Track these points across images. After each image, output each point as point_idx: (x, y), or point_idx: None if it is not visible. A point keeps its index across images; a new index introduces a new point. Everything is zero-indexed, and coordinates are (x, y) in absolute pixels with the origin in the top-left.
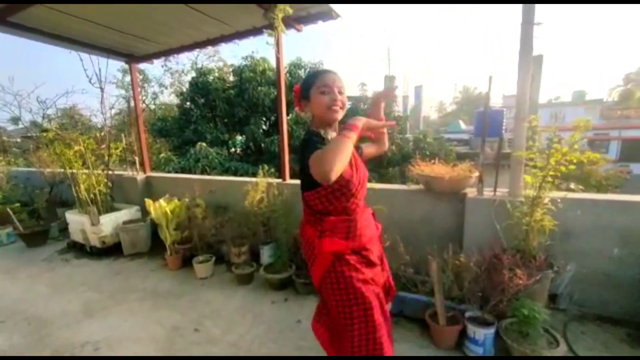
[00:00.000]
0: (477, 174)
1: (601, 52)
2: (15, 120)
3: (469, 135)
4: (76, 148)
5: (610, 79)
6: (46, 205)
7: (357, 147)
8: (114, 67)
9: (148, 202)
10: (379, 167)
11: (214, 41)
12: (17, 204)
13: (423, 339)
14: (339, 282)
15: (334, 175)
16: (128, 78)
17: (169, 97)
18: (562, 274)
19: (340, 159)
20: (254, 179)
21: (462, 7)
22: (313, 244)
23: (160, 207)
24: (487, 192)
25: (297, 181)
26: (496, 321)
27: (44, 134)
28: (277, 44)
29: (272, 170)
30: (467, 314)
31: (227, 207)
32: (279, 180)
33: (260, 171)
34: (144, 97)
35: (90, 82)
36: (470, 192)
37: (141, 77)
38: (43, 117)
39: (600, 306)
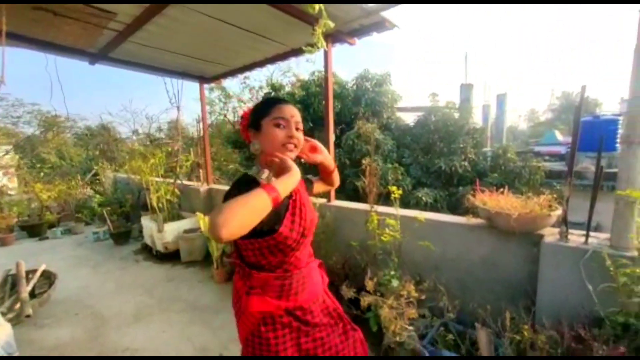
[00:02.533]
0: (559, 211)
1: None
2: (135, 132)
3: (566, 149)
4: (151, 161)
5: None
6: (130, 209)
7: (307, 180)
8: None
9: (199, 215)
10: (448, 185)
11: (271, 60)
12: (112, 206)
13: None
14: (262, 350)
15: (227, 236)
16: (212, 95)
17: None
18: None
19: (241, 219)
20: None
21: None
22: (240, 299)
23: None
24: (576, 237)
25: (343, 202)
26: None
27: (136, 147)
28: (325, 61)
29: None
30: None
31: None
32: (324, 201)
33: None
34: (225, 111)
35: (170, 102)
36: (551, 233)
37: (222, 93)
38: (157, 130)
39: None
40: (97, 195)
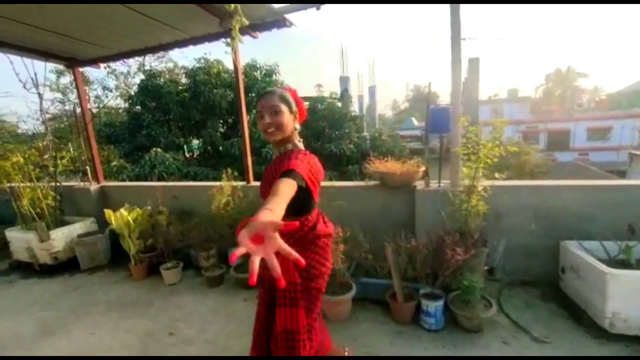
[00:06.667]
0: (423, 168)
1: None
2: None
3: (420, 132)
4: (14, 159)
5: (535, 78)
6: None
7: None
8: (46, 68)
9: (108, 212)
10: (339, 165)
11: (167, 46)
12: None
13: (385, 317)
14: None
15: None
16: (63, 80)
17: (114, 101)
18: (495, 249)
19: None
20: (218, 183)
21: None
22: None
23: (122, 217)
24: (433, 184)
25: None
26: (444, 294)
27: None
28: (234, 52)
29: (236, 173)
30: (421, 291)
31: (192, 213)
32: (243, 183)
33: (224, 175)
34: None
35: (24, 87)
36: (419, 184)
37: (81, 78)
38: None
39: (524, 273)
40: None
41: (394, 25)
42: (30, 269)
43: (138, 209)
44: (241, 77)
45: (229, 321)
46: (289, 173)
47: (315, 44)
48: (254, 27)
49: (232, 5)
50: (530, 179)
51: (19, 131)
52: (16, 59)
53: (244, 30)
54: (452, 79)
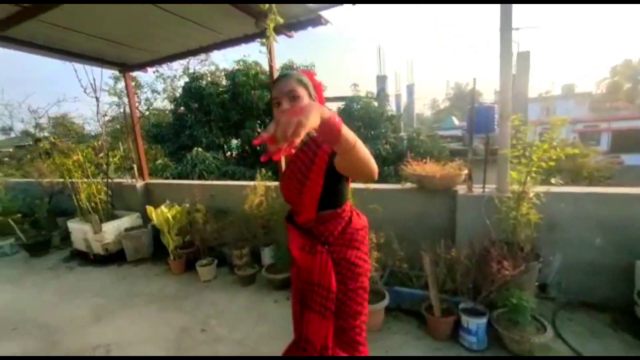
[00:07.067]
0: (466, 171)
1: (588, 45)
2: (6, 130)
3: (462, 132)
4: (75, 157)
5: (597, 72)
6: (47, 215)
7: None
8: (105, 74)
9: (149, 209)
10: None
11: (206, 48)
12: (18, 215)
13: (420, 331)
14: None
15: None
16: (120, 85)
17: (162, 103)
18: (549, 264)
19: None
20: (252, 183)
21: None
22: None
23: (162, 214)
24: (477, 189)
25: None
26: (488, 311)
27: (40, 144)
28: (270, 52)
29: (270, 173)
30: (461, 306)
31: (227, 211)
32: (277, 183)
33: (257, 175)
34: (137, 104)
35: (85, 92)
36: (461, 189)
37: (133, 83)
38: (35, 127)
39: (586, 293)
40: None
41: (434, 21)
42: (86, 258)
43: (177, 206)
44: (275, 76)
45: (259, 322)
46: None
47: (353, 42)
48: (289, 27)
49: (267, 5)
50: (588, 184)
51: (85, 132)
52: (79, 67)
53: (279, 30)
54: (500, 73)
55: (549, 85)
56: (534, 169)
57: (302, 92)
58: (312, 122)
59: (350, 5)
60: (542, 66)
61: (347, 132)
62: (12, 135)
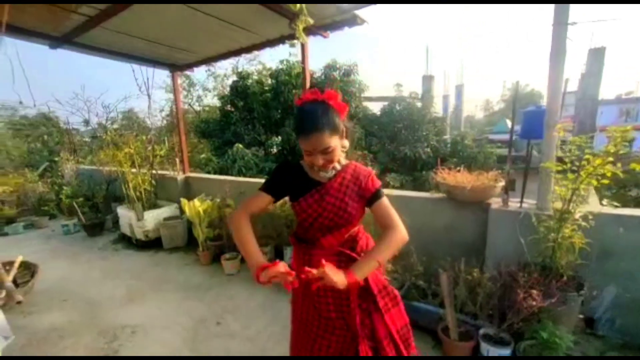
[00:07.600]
0: (502, 183)
1: None
2: (87, 122)
3: (515, 136)
4: (126, 150)
5: None
6: (103, 200)
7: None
8: (163, 74)
9: (183, 201)
10: (413, 170)
11: (246, 49)
12: (82, 198)
13: (435, 351)
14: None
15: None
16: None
17: (212, 100)
18: (599, 297)
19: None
20: None
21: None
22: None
23: (194, 207)
24: (514, 203)
25: None
26: (513, 341)
27: (104, 136)
28: (303, 53)
29: None
30: (482, 331)
31: None
32: None
33: None
34: (189, 100)
35: (140, 90)
36: (495, 202)
37: (187, 81)
38: (106, 120)
39: None
40: (64, 188)
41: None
42: (129, 242)
43: (209, 200)
44: (308, 77)
45: (273, 322)
46: (379, 194)
47: (400, 42)
48: (324, 27)
49: (297, 5)
50: None
51: (145, 125)
52: (136, 67)
53: (314, 31)
54: (549, 76)
55: (633, 84)
56: (582, 185)
57: (334, 141)
58: (340, 286)
59: (389, 5)
60: (624, 63)
61: (366, 269)
62: (89, 127)
